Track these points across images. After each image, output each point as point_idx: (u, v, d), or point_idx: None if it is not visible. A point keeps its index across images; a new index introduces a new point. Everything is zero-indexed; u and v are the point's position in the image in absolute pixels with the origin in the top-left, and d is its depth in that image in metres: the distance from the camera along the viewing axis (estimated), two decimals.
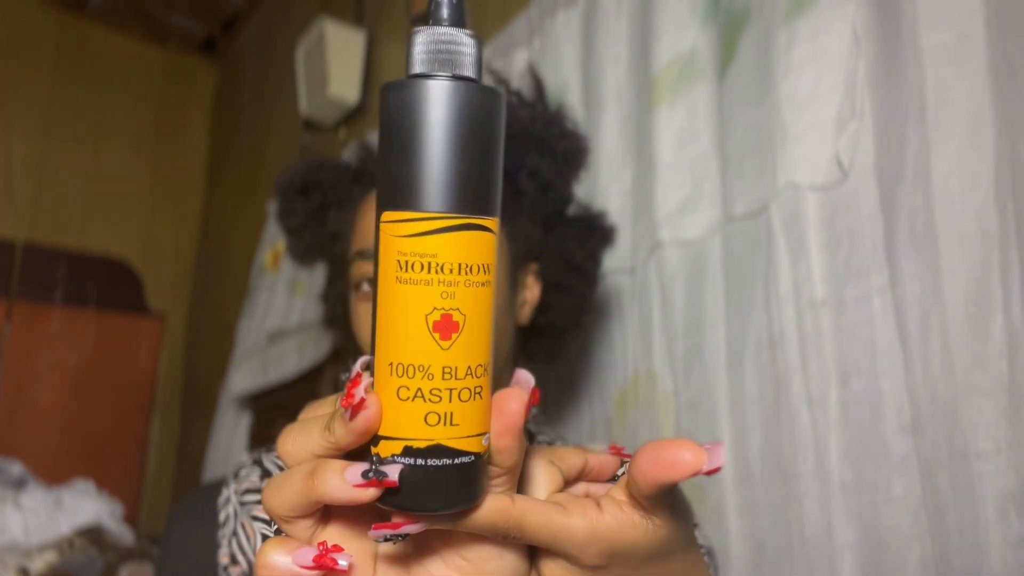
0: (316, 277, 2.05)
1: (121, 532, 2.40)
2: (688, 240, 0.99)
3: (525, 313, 0.75)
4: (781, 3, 0.88)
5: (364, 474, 0.30)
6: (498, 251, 0.70)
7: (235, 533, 0.67)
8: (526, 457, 0.37)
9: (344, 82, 2.03)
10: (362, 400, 0.30)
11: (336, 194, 0.78)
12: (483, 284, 0.31)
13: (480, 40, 0.31)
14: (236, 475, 0.71)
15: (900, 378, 0.76)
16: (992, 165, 0.70)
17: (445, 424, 0.31)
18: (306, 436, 0.33)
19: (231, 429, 2.31)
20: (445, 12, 0.30)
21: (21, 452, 2.66)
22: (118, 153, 3.24)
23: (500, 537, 0.34)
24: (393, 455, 0.31)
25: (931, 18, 0.75)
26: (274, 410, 2.05)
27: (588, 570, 0.35)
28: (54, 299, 2.98)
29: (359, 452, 0.32)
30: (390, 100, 0.30)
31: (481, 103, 0.30)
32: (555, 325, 0.82)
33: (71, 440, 2.92)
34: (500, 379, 0.73)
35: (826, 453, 0.80)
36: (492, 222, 0.31)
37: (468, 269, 0.31)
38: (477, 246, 0.31)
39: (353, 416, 0.30)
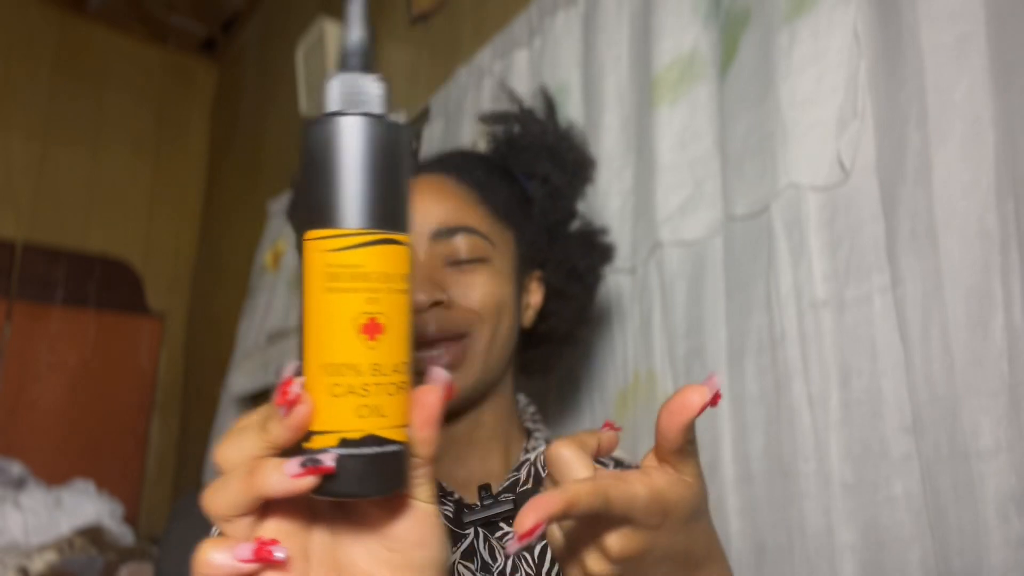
0: None
1: (121, 532, 2.40)
2: (689, 241, 0.99)
3: (528, 316, 0.79)
4: (782, 3, 0.88)
5: (302, 463, 0.33)
6: (506, 255, 0.71)
7: None
8: (562, 447, 0.41)
9: None
10: (297, 396, 0.33)
11: None
12: (402, 291, 0.35)
13: (387, 82, 0.36)
14: None
15: (901, 378, 0.76)
16: (992, 165, 0.70)
17: (375, 416, 0.34)
18: (243, 440, 0.35)
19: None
20: (355, 60, 0.36)
21: (21, 452, 2.66)
22: (118, 153, 3.24)
23: (582, 515, 0.37)
24: (328, 447, 0.34)
25: (932, 18, 0.75)
26: None
27: (647, 531, 0.39)
28: (54, 299, 2.98)
29: (294, 453, 0.35)
30: (311, 134, 0.35)
31: (389, 135, 0.35)
32: (554, 334, 0.86)
33: (71, 440, 2.92)
34: (504, 379, 0.74)
35: (827, 453, 0.80)
36: (405, 238, 0.36)
37: (389, 278, 0.35)
38: (395, 258, 0.35)
39: (288, 412, 0.33)
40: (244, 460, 0.34)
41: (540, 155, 0.79)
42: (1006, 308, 0.68)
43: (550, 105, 0.84)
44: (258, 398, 2.17)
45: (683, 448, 0.39)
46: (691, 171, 1.00)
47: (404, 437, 0.35)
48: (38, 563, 2.01)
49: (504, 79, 1.40)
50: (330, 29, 2.03)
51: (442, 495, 0.67)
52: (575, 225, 0.87)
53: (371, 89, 0.35)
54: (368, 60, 0.35)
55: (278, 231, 2.35)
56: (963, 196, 0.72)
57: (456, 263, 0.70)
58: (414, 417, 0.36)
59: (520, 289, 0.76)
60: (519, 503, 0.66)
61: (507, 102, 0.86)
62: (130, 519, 2.77)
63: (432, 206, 0.71)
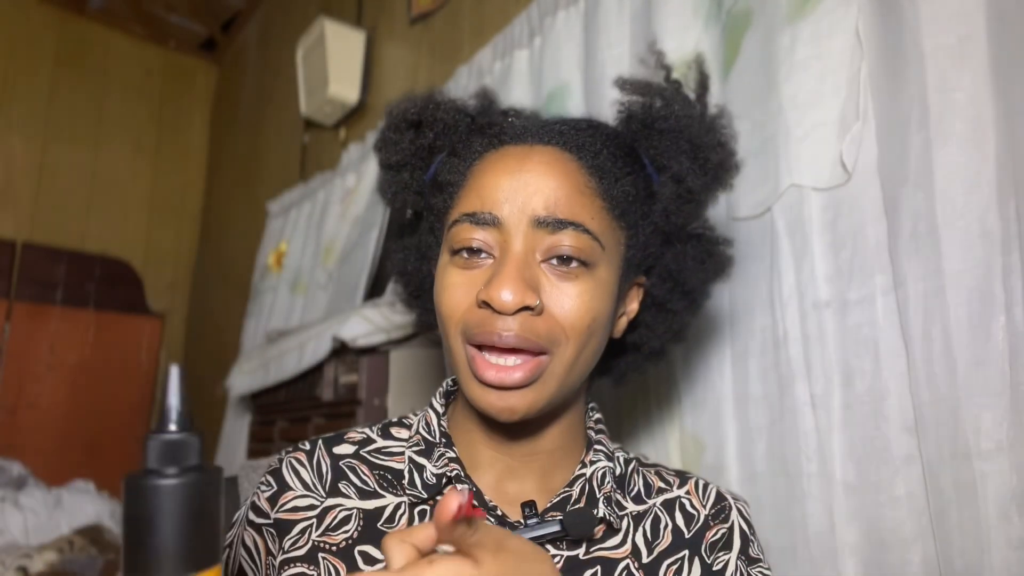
0: (316, 276, 2.04)
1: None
2: None
3: (620, 326, 0.69)
4: (784, 5, 0.88)
5: None
6: (614, 261, 0.63)
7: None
8: (387, 540, 0.44)
9: (344, 82, 2.03)
10: None
11: (449, 138, 0.69)
12: None
13: (202, 436, 0.41)
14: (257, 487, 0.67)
15: (903, 379, 0.76)
16: (994, 166, 0.70)
17: None
18: None
19: (235, 430, 2.31)
20: (174, 419, 0.40)
21: (21, 452, 2.66)
22: (118, 153, 3.24)
23: None
24: None
25: (933, 20, 0.75)
26: (274, 410, 2.04)
27: None
28: (54, 299, 2.98)
29: None
30: (134, 490, 0.40)
31: (202, 488, 0.40)
32: (642, 346, 0.76)
33: (71, 440, 2.92)
34: (579, 392, 0.67)
35: (830, 454, 0.80)
36: (214, 571, 0.41)
37: None
38: None
39: None
40: None
41: (679, 147, 0.66)
42: (1007, 309, 0.68)
43: (703, 83, 0.70)
44: (257, 397, 2.17)
45: (460, 539, 0.42)
46: None
47: None
48: (38, 563, 2.01)
49: (504, 80, 1.40)
50: (330, 29, 2.03)
51: (482, 509, 0.61)
52: (694, 227, 0.74)
53: (190, 445, 0.41)
54: (185, 421, 0.41)
55: (279, 231, 2.35)
56: (964, 197, 0.72)
57: (556, 261, 0.59)
58: None
59: (620, 297, 0.66)
60: (567, 524, 0.59)
61: (652, 68, 0.72)
62: None
63: (543, 185, 0.59)
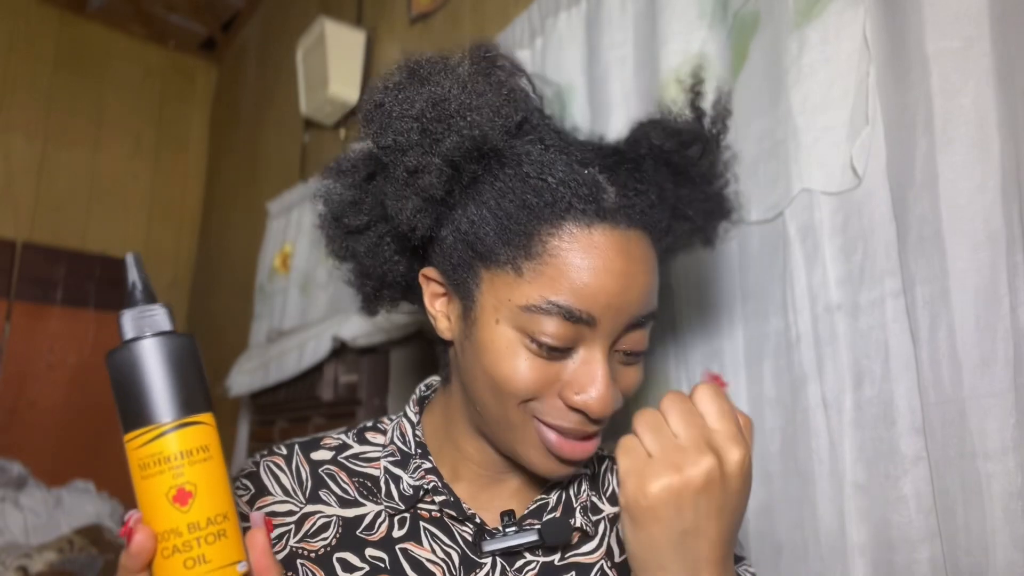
0: (318, 275, 2.04)
1: None
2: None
3: None
4: (791, 9, 0.88)
5: None
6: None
7: None
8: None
9: (344, 82, 2.03)
10: (132, 530, 0.43)
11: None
12: (205, 460, 0.44)
13: (170, 307, 0.46)
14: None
15: (912, 380, 0.76)
16: (998, 168, 0.71)
17: (200, 564, 0.43)
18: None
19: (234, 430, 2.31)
20: (139, 295, 0.45)
21: (21, 452, 2.65)
22: (118, 153, 3.23)
23: None
24: None
25: (936, 23, 0.75)
26: (274, 410, 2.04)
27: None
28: (54, 299, 2.97)
29: None
30: (115, 359, 0.44)
31: (175, 346, 0.45)
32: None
33: (71, 440, 2.91)
34: None
35: (840, 454, 0.81)
36: (206, 416, 0.45)
37: (189, 453, 0.44)
38: (195, 436, 0.44)
39: (130, 540, 0.42)
40: None
41: (697, 197, 0.66)
42: (1013, 310, 0.69)
43: (722, 118, 0.68)
44: (257, 397, 2.17)
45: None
46: None
47: (237, 573, 0.44)
48: (38, 563, 2.01)
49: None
50: (330, 29, 2.03)
51: (462, 519, 0.62)
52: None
53: (156, 314, 0.45)
54: (149, 292, 0.46)
55: (281, 233, 2.35)
56: (969, 200, 0.72)
57: (629, 353, 0.58)
58: (250, 555, 0.45)
59: None
60: (545, 533, 0.60)
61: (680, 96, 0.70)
62: None
63: (643, 288, 0.56)
